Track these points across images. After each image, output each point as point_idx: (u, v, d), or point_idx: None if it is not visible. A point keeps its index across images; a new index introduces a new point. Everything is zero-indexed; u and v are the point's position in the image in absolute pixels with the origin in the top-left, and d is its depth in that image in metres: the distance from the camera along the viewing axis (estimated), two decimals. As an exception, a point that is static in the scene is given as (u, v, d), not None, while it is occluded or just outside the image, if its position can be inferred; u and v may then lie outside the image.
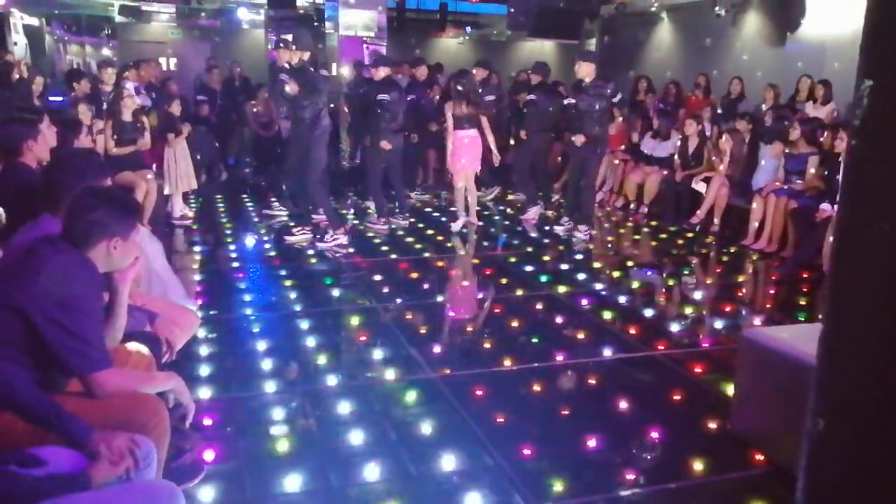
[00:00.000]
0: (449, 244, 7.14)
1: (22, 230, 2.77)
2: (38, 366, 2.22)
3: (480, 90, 8.23)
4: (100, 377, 2.22)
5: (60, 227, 2.40)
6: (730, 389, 3.67)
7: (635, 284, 5.95)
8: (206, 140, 9.79)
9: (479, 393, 3.82)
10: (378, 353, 4.27)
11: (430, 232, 7.51)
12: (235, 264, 6.17)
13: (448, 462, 3.10)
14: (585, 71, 7.35)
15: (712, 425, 3.49)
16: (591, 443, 3.30)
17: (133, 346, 2.74)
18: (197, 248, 6.66)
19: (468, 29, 16.59)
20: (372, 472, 3.01)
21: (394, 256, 6.53)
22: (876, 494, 1.22)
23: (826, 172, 6.61)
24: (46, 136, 3.74)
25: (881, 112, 1.19)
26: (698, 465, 3.15)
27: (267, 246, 6.78)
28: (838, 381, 1.25)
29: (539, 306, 5.31)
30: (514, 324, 4.89)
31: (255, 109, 10.60)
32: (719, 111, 9.28)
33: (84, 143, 5.51)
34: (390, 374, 4.00)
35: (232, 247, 6.71)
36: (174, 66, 14.62)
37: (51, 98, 8.31)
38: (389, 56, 8.87)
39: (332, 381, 3.90)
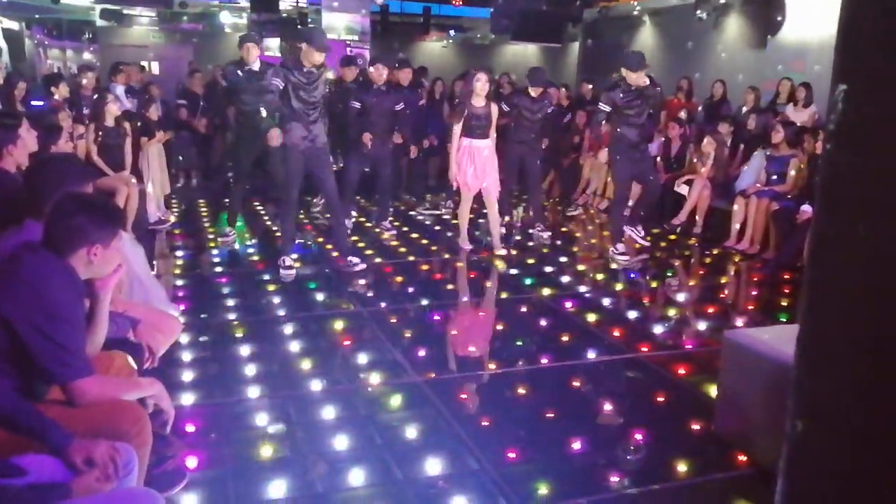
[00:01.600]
0: (434, 247, 7.13)
1: (5, 236, 2.74)
2: (19, 373, 2.20)
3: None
4: (81, 385, 2.21)
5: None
6: (713, 391, 3.69)
7: (619, 286, 5.97)
8: (187, 144, 9.72)
9: (463, 396, 3.83)
10: (363, 357, 4.26)
11: (414, 235, 7.50)
12: (218, 269, 6.13)
13: (433, 466, 3.10)
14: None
15: (696, 427, 3.51)
16: (576, 445, 3.31)
17: (114, 352, 2.72)
18: (178, 253, 6.61)
19: (451, 32, 16.63)
20: (357, 477, 3.01)
21: (378, 260, 6.52)
22: (854, 497, 1.23)
23: (807, 174, 6.68)
24: (26, 140, 3.70)
25: (855, 116, 1.20)
26: (682, 467, 3.16)
27: (250, 250, 6.75)
28: (816, 383, 1.26)
29: (523, 309, 5.32)
30: (499, 327, 4.90)
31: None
32: (700, 111, 9.36)
33: (64, 148, 5.45)
34: (375, 378, 4.00)
35: (214, 251, 6.68)
36: (156, 69, 14.54)
37: (32, 103, 8.21)
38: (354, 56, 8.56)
39: (316, 385, 3.89)
